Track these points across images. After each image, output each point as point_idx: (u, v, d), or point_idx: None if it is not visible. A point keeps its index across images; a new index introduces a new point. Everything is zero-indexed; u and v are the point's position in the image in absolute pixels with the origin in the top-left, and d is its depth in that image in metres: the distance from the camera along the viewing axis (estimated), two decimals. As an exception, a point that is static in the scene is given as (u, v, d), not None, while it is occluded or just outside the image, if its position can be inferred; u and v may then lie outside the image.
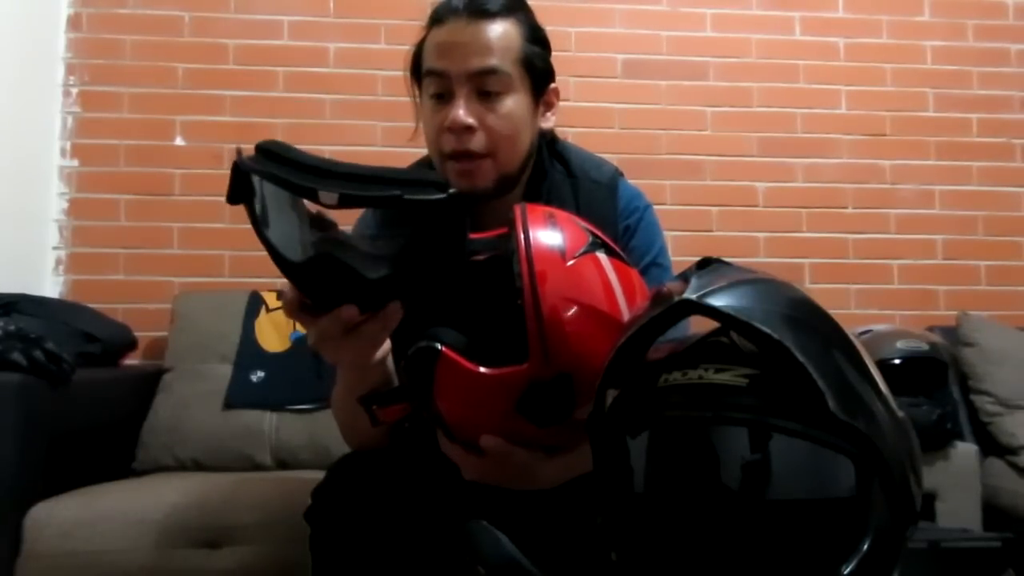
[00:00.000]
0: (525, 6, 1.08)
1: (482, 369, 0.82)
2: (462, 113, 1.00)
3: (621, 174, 1.19)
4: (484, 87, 1.02)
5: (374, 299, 0.81)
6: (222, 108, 2.44)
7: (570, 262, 0.83)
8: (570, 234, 0.86)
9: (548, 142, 1.14)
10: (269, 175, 0.73)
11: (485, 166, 1.03)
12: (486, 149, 1.02)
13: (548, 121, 1.12)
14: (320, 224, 0.81)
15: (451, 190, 0.76)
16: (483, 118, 1.02)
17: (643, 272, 1.10)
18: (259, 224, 0.76)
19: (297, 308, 0.82)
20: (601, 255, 0.87)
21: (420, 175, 0.78)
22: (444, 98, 1.03)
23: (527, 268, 0.82)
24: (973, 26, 2.77)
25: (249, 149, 0.75)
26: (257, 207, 0.76)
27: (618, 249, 0.92)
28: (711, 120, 2.66)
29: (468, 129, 1.01)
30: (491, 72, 1.02)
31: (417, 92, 1.11)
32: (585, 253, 0.85)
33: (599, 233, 0.90)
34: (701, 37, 2.68)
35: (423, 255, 0.80)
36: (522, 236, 0.84)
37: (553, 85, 1.12)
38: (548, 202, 1.08)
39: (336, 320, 0.80)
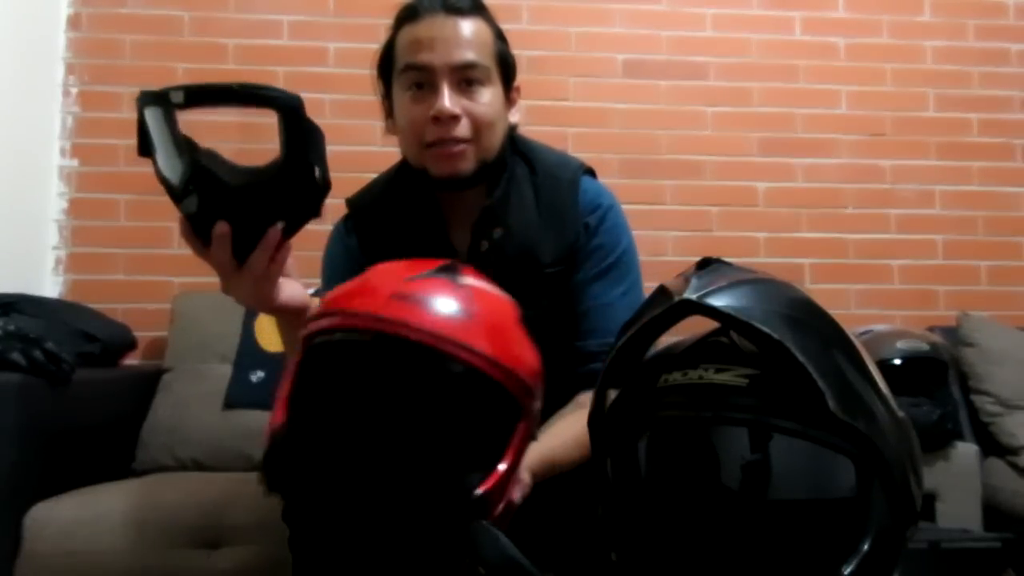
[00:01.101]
0: (487, 7, 1.11)
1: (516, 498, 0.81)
2: (448, 103, 1.03)
3: (588, 171, 1.19)
4: (466, 78, 1.05)
5: (243, 214, 0.84)
6: (222, 108, 2.43)
7: (467, 319, 0.77)
8: (445, 298, 0.78)
9: (510, 138, 1.16)
10: (142, 96, 0.83)
11: (468, 151, 1.05)
12: (469, 136, 1.05)
13: (514, 116, 1.15)
14: (209, 152, 0.87)
15: (294, 95, 0.81)
16: (466, 107, 1.05)
17: (606, 271, 1.12)
18: (157, 166, 0.84)
19: (190, 236, 0.87)
20: (461, 278, 0.81)
21: (269, 87, 0.82)
22: (424, 90, 1.05)
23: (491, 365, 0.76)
24: (973, 26, 2.77)
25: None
26: (156, 153, 0.84)
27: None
28: (711, 120, 2.66)
29: (454, 118, 1.03)
30: (473, 64, 1.04)
31: (384, 90, 1.13)
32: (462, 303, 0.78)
33: (440, 263, 0.83)
34: (701, 37, 2.68)
35: (283, 169, 0.83)
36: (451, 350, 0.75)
37: (516, 83, 1.15)
38: (507, 194, 1.11)
39: (218, 241, 0.84)
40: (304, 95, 0.84)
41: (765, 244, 2.63)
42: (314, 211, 0.87)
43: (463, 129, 1.04)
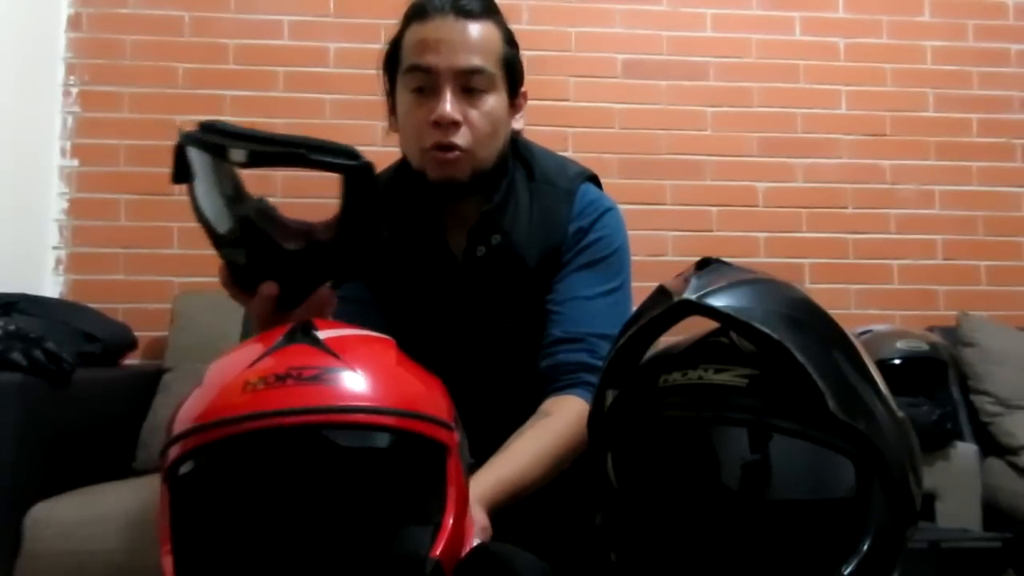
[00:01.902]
0: (499, 10, 1.10)
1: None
2: (449, 108, 1.01)
3: (591, 179, 1.18)
4: (469, 84, 1.03)
5: (294, 276, 0.80)
6: (222, 108, 2.44)
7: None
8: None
9: (512, 143, 1.15)
10: (190, 139, 0.76)
11: (463, 159, 1.04)
12: (468, 145, 1.04)
13: (518, 123, 1.14)
14: (258, 204, 0.82)
15: (363, 160, 0.76)
16: (467, 114, 1.03)
17: (591, 265, 1.10)
18: (195, 200, 0.78)
19: (231, 285, 0.83)
20: (317, 334, 0.68)
21: (336, 144, 0.77)
22: (426, 93, 1.04)
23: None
24: (973, 26, 2.77)
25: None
26: (196, 185, 0.78)
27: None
28: (711, 120, 2.66)
29: (454, 124, 1.02)
30: (478, 71, 1.03)
31: (388, 86, 1.12)
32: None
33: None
34: (701, 37, 2.68)
35: (341, 231, 0.80)
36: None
37: (523, 89, 1.13)
38: (505, 200, 1.10)
39: (263, 300, 0.80)
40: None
41: (765, 244, 2.63)
42: (367, 271, 0.84)
43: (463, 136, 1.03)
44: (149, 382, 2.11)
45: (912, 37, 2.74)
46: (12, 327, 1.63)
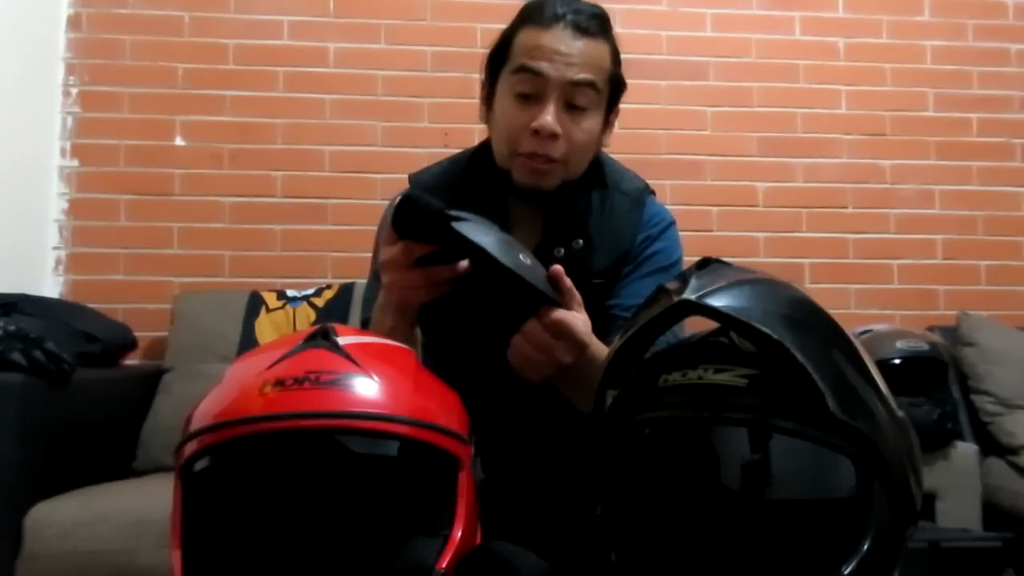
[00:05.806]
0: (612, 28, 1.10)
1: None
2: (552, 119, 1.02)
3: (651, 192, 1.21)
4: (574, 100, 1.04)
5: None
6: (222, 108, 2.43)
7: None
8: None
9: None
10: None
11: (557, 170, 1.05)
12: (562, 158, 1.05)
13: (606, 138, 1.15)
14: None
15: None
16: (567, 128, 1.04)
17: (654, 273, 1.11)
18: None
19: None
20: (339, 340, 0.70)
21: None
22: (530, 99, 1.04)
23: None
24: (973, 26, 2.77)
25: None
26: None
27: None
28: (711, 120, 2.66)
29: (553, 136, 1.03)
30: (587, 86, 1.04)
31: (487, 77, 1.11)
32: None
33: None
34: (701, 37, 2.68)
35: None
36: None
37: (617, 107, 1.14)
38: (585, 205, 1.10)
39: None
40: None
41: (765, 244, 2.63)
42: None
43: (559, 148, 1.03)
44: (149, 382, 2.11)
45: (912, 37, 2.74)
46: (12, 327, 1.63)
